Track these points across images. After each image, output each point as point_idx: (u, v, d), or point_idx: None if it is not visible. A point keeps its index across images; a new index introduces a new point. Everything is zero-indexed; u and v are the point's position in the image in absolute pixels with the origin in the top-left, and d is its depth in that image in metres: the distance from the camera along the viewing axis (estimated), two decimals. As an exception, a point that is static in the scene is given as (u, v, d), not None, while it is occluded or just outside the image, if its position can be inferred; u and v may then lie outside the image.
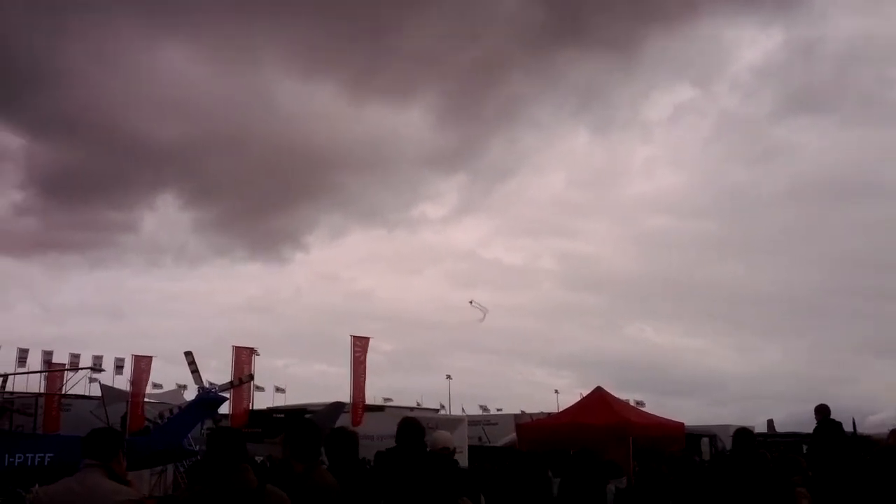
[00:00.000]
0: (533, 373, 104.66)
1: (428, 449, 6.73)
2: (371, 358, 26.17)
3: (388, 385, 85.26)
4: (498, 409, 51.53)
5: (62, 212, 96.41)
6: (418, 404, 56.13)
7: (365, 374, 25.72)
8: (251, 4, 77.52)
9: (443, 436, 7.54)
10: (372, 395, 26.70)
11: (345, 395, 26.36)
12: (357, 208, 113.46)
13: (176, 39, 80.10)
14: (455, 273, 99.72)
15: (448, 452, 7.14)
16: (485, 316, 37.11)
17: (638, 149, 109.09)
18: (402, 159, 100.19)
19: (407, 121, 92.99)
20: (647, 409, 31.89)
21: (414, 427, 6.29)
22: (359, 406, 25.03)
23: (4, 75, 72.38)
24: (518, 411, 42.57)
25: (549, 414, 30.19)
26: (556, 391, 69.87)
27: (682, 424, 19.60)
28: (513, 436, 23.33)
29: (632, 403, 27.46)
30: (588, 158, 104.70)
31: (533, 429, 20.74)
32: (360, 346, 26.00)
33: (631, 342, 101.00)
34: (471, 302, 37.52)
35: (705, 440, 27.21)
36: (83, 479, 4.49)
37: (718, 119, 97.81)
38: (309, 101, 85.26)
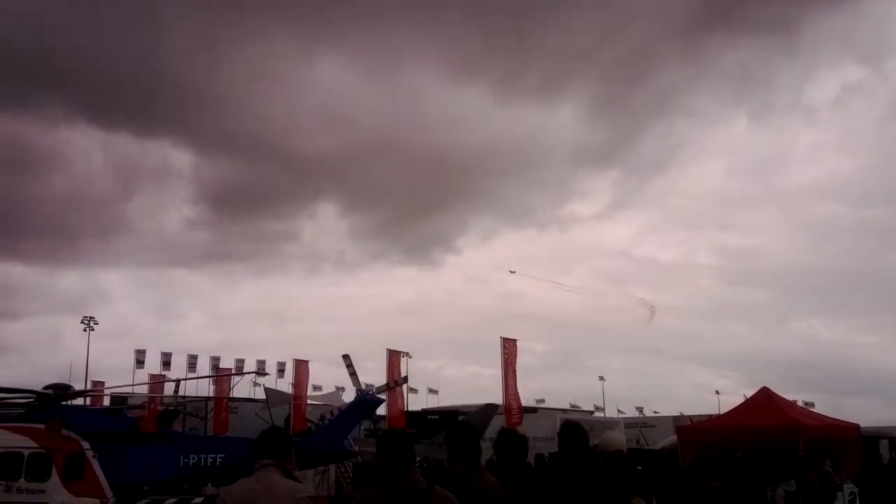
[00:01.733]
0: (692, 373, 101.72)
1: (599, 450, 6.69)
2: (522, 359, 26.10)
3: (540, 386, 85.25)
4: (654, 412, 50.43)
5: (229, 224, 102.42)
6: (572, 406, 55.69)
7: (514, 375, 25.65)
8: (398, 14, 79.63)
9: (616, 438, 7.55)
10: (524, 397, 26.56)
11: (497, 397, 26.45)
12: (507, 209, 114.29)
13: (328, 52, 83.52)
14: (607, 271, 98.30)
15: (622, 455, 7.08)
16: (653, 314, 36.16)
17: (803, 133, 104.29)
18: (553, 158, 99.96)
19: (556, 118, 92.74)
20: (818, 409, 30.29)
21: (576, 430, 6.18)
22: (513, 407, 24.99)
23: (171, 98, 77.72)
24: (676, 413, 41.43)
25: (710, 416, 29.19)
26: (717, 392, 67.65)
27: (856, 426, 18.53)
28: (672, 438, 22.70)
29: (800, 404, 26.17)
30: (748, 146, 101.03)
31: (694, 431, 20.15)
32: (508, 347, 25.98)
33: (799, 339, 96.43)
34: (512, 272, 36.80)
35: (884, 442, 25.46)
36: (261, 479, 4.63)
37: (892, 99, 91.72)
38: (458, 104, 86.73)
